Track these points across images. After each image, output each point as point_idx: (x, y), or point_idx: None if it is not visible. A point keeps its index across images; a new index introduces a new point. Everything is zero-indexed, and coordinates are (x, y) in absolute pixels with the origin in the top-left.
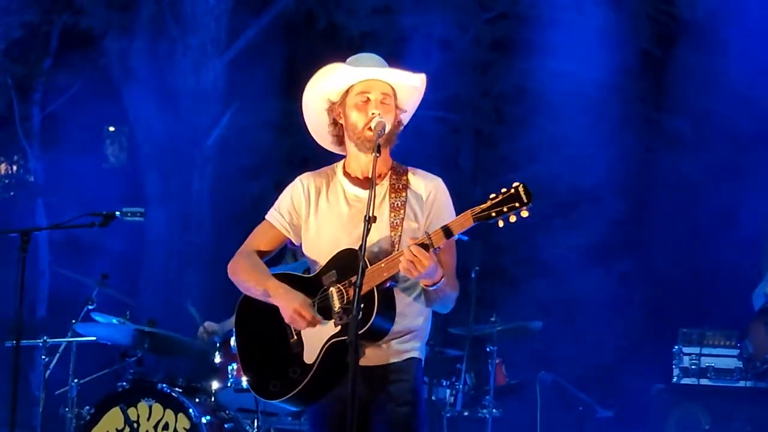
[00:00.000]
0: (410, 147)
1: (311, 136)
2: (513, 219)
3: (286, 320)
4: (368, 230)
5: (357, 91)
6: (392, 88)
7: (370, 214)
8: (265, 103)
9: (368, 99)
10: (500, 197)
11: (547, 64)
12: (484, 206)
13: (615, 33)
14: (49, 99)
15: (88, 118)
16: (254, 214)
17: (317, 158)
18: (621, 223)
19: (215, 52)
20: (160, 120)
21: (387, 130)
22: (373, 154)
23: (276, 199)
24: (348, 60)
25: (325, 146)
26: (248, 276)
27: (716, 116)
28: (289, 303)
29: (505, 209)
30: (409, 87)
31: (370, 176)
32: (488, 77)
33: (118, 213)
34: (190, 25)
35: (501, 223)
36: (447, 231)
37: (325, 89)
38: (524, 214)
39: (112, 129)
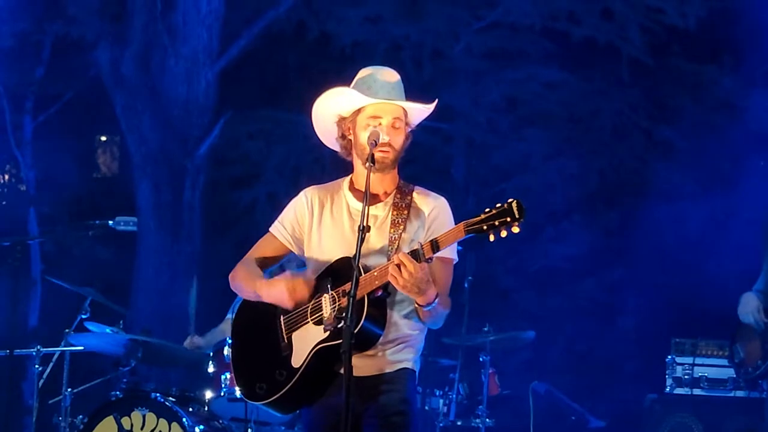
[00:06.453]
0: (402, 156)
1: (310, 141)
2: (504, 234)
3: (286, 304)
4: (362, 239)
5: (369, 114)
6: (404, 109)
7: (364, 224)
8: (256, 112)
9: (380, 123)
10: (493, 212)
11: (539, 73)
12: (476, 219)
13: (605, 42)
14: (40, 108)
15: (80, 128)
16: (246, 223)
17: (309, 168)
18: (613, 232)
19: (207, 61)
20: (151, 129)
21: (380, 140)
22: (367, 164)
23: (270, 208)
24: (362, 73)
25: (331, 147)
26: (243, 281)
27: (708, 126)
28: (276, 288)
29: (496, 223)
30: (421, 110)
31: (373, 191)
32: (480, 87)
33: (110, 222)
34: (181, 35)
35: (492, 237)
36: (435, 244)
37: (337, 106)
38: (515, 229)
39: (103, 138)
